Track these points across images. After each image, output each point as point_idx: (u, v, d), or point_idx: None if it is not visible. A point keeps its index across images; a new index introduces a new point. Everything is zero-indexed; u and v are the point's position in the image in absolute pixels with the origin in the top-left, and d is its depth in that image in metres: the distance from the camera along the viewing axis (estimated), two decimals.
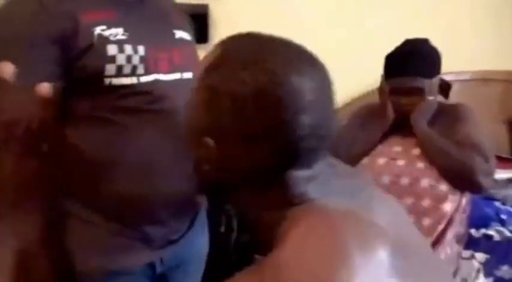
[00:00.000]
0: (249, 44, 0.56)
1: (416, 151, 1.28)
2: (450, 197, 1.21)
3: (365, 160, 1.32)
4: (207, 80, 0.54)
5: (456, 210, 1.22)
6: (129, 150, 0.85)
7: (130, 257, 0.88)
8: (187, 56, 0.95)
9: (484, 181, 1.20)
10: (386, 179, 1.26)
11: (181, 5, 1.33)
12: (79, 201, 0.86)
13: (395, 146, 1.31)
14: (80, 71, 0.81)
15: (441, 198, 1.21)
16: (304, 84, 0.51)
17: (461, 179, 1.21)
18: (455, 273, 1.27)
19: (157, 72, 0.88)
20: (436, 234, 1.19)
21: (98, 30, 0.82)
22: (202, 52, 1.71)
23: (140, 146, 0.85)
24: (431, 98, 1.28)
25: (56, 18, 0.79)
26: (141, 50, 0.86)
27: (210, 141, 0.52)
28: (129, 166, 0.85)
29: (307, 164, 0.53)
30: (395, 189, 1.24)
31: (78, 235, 0.86)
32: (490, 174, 1.23)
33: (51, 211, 0.76)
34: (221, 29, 2.01)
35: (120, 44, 0.83)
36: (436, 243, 1.18)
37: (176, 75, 0.90)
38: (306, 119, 0.50)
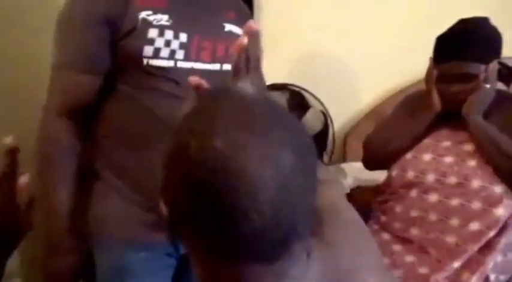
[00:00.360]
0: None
1: (467, 147, 1.16)
2: (505, 200, 1.08)
3: (408, 155, 1.22)
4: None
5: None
6: (159, 129, 0.83)
7: (153, 233, 0.87)
8: (228, 49, 0.95)
9: None
10: (431, 178, 1.16)
11: None
12: (109, 169, 0.91)
13: (444, 141, 1.20)
14: (121, 51, 0.86)
15: (494, 202, 1.08)
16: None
17: None
18: None
19: (198, 60, 0.91)
20: (485, 240, 1.07)
21: (143, 14, 0.86)
22: None
23: (164, 114, 0.86)
24: (488, 86, 1.13)
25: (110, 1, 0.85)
26: (183, 37, 0.89)
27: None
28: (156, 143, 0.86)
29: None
30: (441, 189, 1.14)
31: (102, 201, 0.90)
32: None
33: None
34: (267, 10, 1.94)
35: (161, 28, 0.86)
36: (485, 249, 1.07)
37: (216, 66, 0.94)
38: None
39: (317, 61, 1.90)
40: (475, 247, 1.07)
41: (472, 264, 1.07)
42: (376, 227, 1.26)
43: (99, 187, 0.92)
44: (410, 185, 1.19)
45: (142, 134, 0.89)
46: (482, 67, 1.12)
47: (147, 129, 0.89)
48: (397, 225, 1.21)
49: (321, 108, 1.68)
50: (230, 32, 0.97)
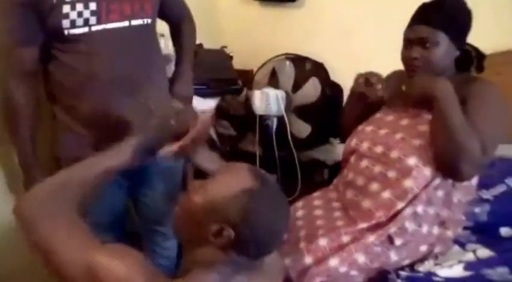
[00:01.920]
0: None
1: (403, 121, 1.22)
2: (414, 173, 1.13)
3: (359, 127, 1.32)
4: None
5: (425, 187, 1.13)
6: (87, 73, 1.12)
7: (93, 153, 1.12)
8: (139, 5, 1.16)
9: (468, 171, 1.10)
10: (365, 146, 1.25)
11: None
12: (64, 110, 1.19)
13: (389, 116, 1.26)
14: (48, 27, 1.07)
15: (405, 173, 1.14)
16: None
17: (447, 159, 1.11)
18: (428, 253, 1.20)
19: (108, 22, 1.11)
20: (393, 210, 1.14)
21: None
22: (291, 9, 1.85)
23: (93, 71, 1.12)
24: (441, 54, 1.16)
25: None
26: (92, 5, 1.09)
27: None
28: (86, 87, 1.14)
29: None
30: (370, 157, 1.24)
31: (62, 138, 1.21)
32: (479, 166, 1.11)
33: None
34: None
35: (73, 3, 1.07)
36: (393, 217, 1.14)
37: (125, 23, 1.14)
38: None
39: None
40: (383, 215, 1.14)
41: (376, 227, 1.15)
42: (332, 186, 1.41)
43: (58, 124, 1.21)
44: (352, 152, 1.29)
45: (74, 85, 1.14)
46: (443, 35, 1.15)
47: (77, 82, 1.14)
48: (340, 187, 1.35)
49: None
50: None
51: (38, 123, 1.19)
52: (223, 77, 1.88)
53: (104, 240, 0.76)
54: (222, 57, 1.97)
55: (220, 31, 2.26)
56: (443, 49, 1.16)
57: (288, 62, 1.74)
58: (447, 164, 1.11)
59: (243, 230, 0.76)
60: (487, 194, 1.40)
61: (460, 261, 1.20)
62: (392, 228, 1.13)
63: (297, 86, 1.71)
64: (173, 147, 1.00)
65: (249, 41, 2.20)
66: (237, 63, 2.10)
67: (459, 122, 1.09)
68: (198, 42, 1.92)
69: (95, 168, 0.86)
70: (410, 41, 1.20)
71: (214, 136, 1.89)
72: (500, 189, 1.40)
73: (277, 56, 1.86)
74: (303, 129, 1.67)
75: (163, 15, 1.36)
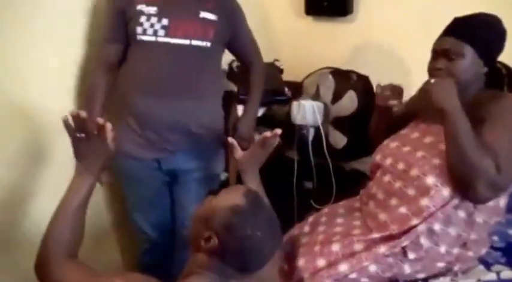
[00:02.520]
0: None
1: (427, 139, 1.23)
2: (432, 192, 1.13)
3: (384, 142, 1.34)
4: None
5: (442, 207, 1.13)
6: (144, 74, 1.37)
7: (142, 151, 1.42)
8: (202, 30, 1.38)
9: (484, 191, 1.08)
10: (388, 162, 1.28)
11: None
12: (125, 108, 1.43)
13: (415, 132, 1.28)
14: (127, 31, 1.37)
15: (423, 192, 1.15)
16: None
17: (460, 179, 1.11)
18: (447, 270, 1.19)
19: (173, 37, 1.36)
20: (407, 226, 1.15)
21: (138, 7, 1.36)
22: (342, 24, 1.90)
23: (150, 74, 1.36)
24: (465, 67, 1.15)
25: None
26: (164, 21, 1.35)
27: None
28: (142, 86, 1.38)
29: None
30: (393, 173, 1.26)
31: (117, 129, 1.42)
32: (495, 186, 1.08)
33: None
34: (366, 2, 2.11)
35: (149, 16, 1.35)
36: (407, 232, 1.15)
37: (186, 41, 1.37)
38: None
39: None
40: (396, 228, 1.16)
41: (389, 239, 1.18)
42: (358, 197, 1.45)
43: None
44: (377, 166, 1.32)
45: (132, 86, 1.40)
46: (468, 48, 1.14)
47: (134, 83, 1.39)
48: (364, 198, 1.38)
49: None
50: (203, 18, 1.39)
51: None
52: (271, 88, 1.99)
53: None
54: (272, 70, 2.08)
55: (274, 45, 2.37)
56: (468, 62, 1.16)
57: (329, 75, 1.80)
58: (461, 184, 1.11)
59: (225, 240, 0.89)
60: None
61: (478, 280, 1.18)
62: (404, 242, 1.15)
63: (340, 98, 1.77)
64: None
65: (301, 54, 2.28)
66: (289, 75, 2.20)
67: (469, 138, 1.08)
68: None
69: (69, 205, 0.98)
70: (437, 53, 1.22)
71: None
72: None
73: (321, 69, 1.93)
74: (339, 140, 1.72)
75: (233, 49, 1.57)
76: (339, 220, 1.35)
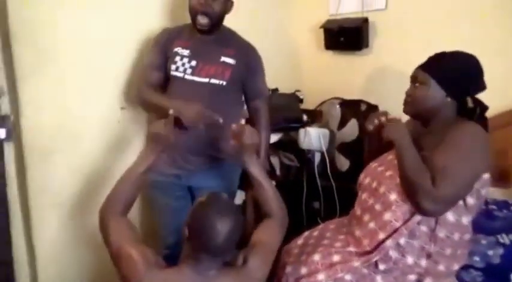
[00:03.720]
0: None
1: (395, 161, 1.34)
2: (394, 207, 1.25)
3: (371, 163, 1.48)
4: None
5: (406, 222, 1.24)
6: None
7: (168, 168, 1.67)
8: (220, 71, 1.64)
9: (425, 204, 1.19)
10: (367, 180, 1.42)
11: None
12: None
13: (391, 155, 1.39)
14: (166, 66, 1.66)
15: (387, 207, 1.27)
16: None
17: (409, 196, 1.23)
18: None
19: (197, 76, 1.63)
20: (376, 240, 1.28)
21: (175, 49, 1.67)
22: (358, 57, 2.07)
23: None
24: (425, 94, 1.29)
25: (165, 40, 1.68)
26: (193, 63, 1.65)
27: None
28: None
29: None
30: (369, 191, 1.39)
31: None
32: (434, 198, 1.18)
33: None
34: (379, 38, 2.26)
35: (182, 57, 1.65)
36: (377, 246, 1.27)
37: (206, 79, 1.64)
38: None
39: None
40: (367, 244, 1.29)
41: (364, 254, 1.31)
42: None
43: None
44: (360, 185, 1.47)
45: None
46: (431, 80, 1.28)
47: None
48: (350, 215, 1.51)
49: None
50: (223, 62, 1.65)
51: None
52: (289, 116, 2.19)
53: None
54: (292, 99, 2.29)
55: (298, 76, 2.59)
56: (430, 91, 1.29)
57: (336, 104, 1.97)
58: (410, 200, 1.24)
59: (191, 227, 1.11)
60: (505, 239, 1.40)
61: None
62: (375, 257, 1.28)
63: (344, 125, 1.92)
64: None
65: (321, 84, 2.46)
66: (310, 104, 2.40)
67: (411, 162, 1.23)
68: (274, 86, 2.34)
69: (136, 171, 1.33)
70: (410, 80, 1.37)
71: (277, 166, 2.21)
72: None
73: (331, 99, 2.10)
74: (343, 163, 1.87)
75: (245, 91, 1.78)
76: (328, 234, 1.50)
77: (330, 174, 1.87)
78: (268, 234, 1.32)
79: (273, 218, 1.37)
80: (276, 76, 2.41)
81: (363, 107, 2.03)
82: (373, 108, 2.03)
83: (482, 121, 1.31)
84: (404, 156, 1.26)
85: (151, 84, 1.69)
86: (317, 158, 1.93)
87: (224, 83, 1.65)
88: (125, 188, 1.31)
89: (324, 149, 1.88)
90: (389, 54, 2.19)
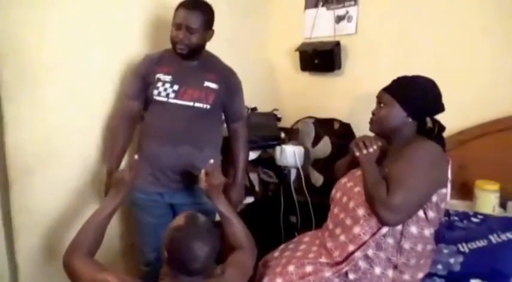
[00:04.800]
0: None
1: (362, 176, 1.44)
2: (362, 222, 1.34)
3: (341, 178, 1.57)
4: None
5: (373, 235, 1.32)
6: (156, 125, 1.69)
7: (150, 186, 1.72)
8: (204, 95, 1.70)
9: (383, 214, 1.29)
10: (338, 195, 1.50)
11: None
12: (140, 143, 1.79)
13: (359, 171, 1.47)
14: (147, 92, 1.71)
15: (355, 221, 1.36)
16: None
17: (370, 208, 1.33)
18: None
19: (181, 99, 1.68)
20: (346, 253, 1.36)
21: (157, 75, 1.70)
22: (331, 78, 2.18)
23: (161, 126, 1.69)
24: (387, 114, 1.41)
25: (146, 69, 1.72)
26: (175, 87, 1.69)
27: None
28: (154, 135, 1.70)
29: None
30: (340, 205, 1.48)
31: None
32: (390, 207, 1.27)
33: None
34: (350, 60, 2.40)
35: (164, 82, 1.69)
36: (345, 260, 1.36)
37: (190, 103, 1.69)
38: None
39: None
40: (338, 255, 1.38)
41: (334, 264, 1.38)
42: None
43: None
44: (332, 199, 1.55)
45: (146, 134, 1.74)
46: (393, 101, 1.40)
47: (148, 132, 1.73)
48: (324, 228, 1.59)
49: None
50: (207, 86, 1.71)
51: (126, 149, 1.79)
52: (267, 134, 2.27)
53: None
54: (269, 118, 2.37)
55: (276, 96, 2.69)
56: (392, 111, 1.41)
57: (310, 123, 2.07)
58: (373, 211, 1.33)
59: (169, 251, 1.17)
60: (464, 247, 1.49)
61: None
62: (345, 268, 1.35)
63: (318, 142, 2.02)
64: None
65: (298, 103, 2.57)
66: (287, 122, 2.50)
67: (371, 176, 1.35)
68: (253, 105, 2.43)
69: (100, 215, 1.38)
70: (376, 102, 1.49)
71: (256, 182, 2.28)
72: (479, 243, 1.48)
73: (305, 118, 2.20)
74: (317, 179, 1.96)
75: (225, 114, 1.85)
76: (302, 246, 1.57)
77: (305, 189, 1.95)
78: (240, 261, 1.40)
79: (242, 249, 1.44)
80: (255, 96, 2.51)
81: (336, 125, 2.14)
82: (345, 126, 2.13)
83: (440, 140, 1.43)
84: (366, 172, 1.38)
85: (128, 116, 1.75)
86: (293, 174, 2.02)
87: (208, 106, 1.71)
88: (89, 232, 1.34)
89: (299, 165, 1.97)
90: (360, 75, 2.32)
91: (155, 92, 1.70)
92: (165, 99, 1.69)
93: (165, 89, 1.69)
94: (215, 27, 1.76)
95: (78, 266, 1.24)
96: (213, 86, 1.72)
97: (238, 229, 1.47)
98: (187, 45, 1.64)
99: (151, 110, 1.74)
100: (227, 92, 1.77)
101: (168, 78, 1.70)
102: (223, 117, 1.88)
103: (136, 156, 1.51)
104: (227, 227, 1.48)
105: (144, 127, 1.78)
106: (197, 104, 1.70)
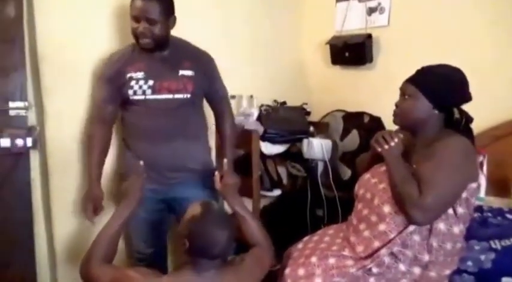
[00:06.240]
0: None
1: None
2: (388, 219, 1.30)
3: (364, 174, 1.53)
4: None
5: (399, 232, 1.29)
6: (141, 124, 1.63)
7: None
8: (182, 85, 1.61)
9: (414, 213, 1.24)
10: (361, 191, 1.47)
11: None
12: (126, 143, 1.73)
13: (383, 166, 1.42)
14: (121, 93, 1.61)
15: (381, 218, 1.32)
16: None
17: (399, 207, 1.29)
18: None
19: (159, 94, 1.60)
20: (371, 249, 1.33)
21: (129, 74, 1.60)
22: (362, 71, 2.15)
23: (148, 124, 1.62)
24: (412, 106, 1.35)
25: (113, 71, 1.61)
26: (150, 82, 1.59)
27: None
28: (144, 135, 1.64)
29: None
30: (363, 201, 1.45)
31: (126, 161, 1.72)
32: (421, 207, 1.23)
33: None
34: (382, 53, 2.34)
35: (137, 80, 1.59)
36: (372, 254, 1.32)
37: (169, 96, 1.61)
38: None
39: None
40: (362, 251, 1.34)
41: (358, 259, 1.36)
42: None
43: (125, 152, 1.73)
44: (356, 196, 1.52)
45: (133, 134, 1.67)
46: (418, 92, 1.33)
47: (134, 132, 1.66)
48: (347, 222, 1.57)
49: None
50: (182, 75, 1.62)
51: (105, 154, 1.72)
52: (295, 128, 2.26)
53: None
54: (298, 112, 2.37)
55: (306, 90, 2.68)
56: (417, 103, 1.35)
57: (338, 115, 2.04)
58: (401, 210, 1.28)
59: (191, 240, 1.19)
60: (497, 244, 1.42)
61: None
62: (370, 264, 1.32)
63: (346, 136, 1.99)
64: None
65: (328, 97, 2.54)
66: (317, 116, 2.48)
67: (399, 173, 1.29)
68: (283, 99, 2.43)
69: (112, 226, 1.39)
70: (400, 92, 1.43)
71: (284, 176, 2.28)
72: None
73: (333, 111, 2.17)
74: (345, 172, 1.93)
75: (208, 98, 1.78)
76: (326, 238, 1.55)
77: (332, 182, 1.93)
78: (259, 256, 1.42)
79: (260, 246, 1.45)
80: (285, 90, 2.53)
81: (366, 119, 2.10)
82: (375, 119, 2.09)
83: (469, 132, 1.37)
84: (393, 169, 1.34)
85: (105, 120, 1.67)
86: (320, 167, 2.00)
87: (189, 95, 1.63)
88: (103, 244, 1.35)
89: (327, 158, 1.95)
90: (392, 68, 2.25)
91: (130, 92, 1.60)
92: (142, 97, 1.60)
93: (140, 87, 1.60)
94: (245, 21, 1.73)
95: (95, 273, 1.28)
96: (189, 73, 1.63)
97: (254, 228, 1.48)
98: (151, 38, 1.54)
99: (131, 110, 1.65)
100: (205, 76, 1.69)
101: (140, 75, 1.60)
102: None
103: (141, 162, 1.50)
104: (244, 226, 1.48)
105: (128, 128, 1.71)
106: (177, 96, 1.62)
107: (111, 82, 1.63)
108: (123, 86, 1.61)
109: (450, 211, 1.29)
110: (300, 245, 1.60)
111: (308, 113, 2.40)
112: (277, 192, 2.11)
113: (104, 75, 1.65)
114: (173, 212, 1.78)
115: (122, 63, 1.62)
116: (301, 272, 1.43)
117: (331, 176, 1.95)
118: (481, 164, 1.73)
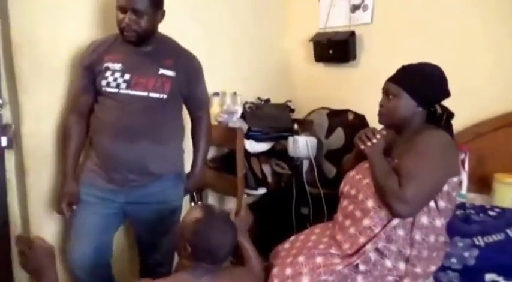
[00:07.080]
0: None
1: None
2: (372, 214, 1.31)
3: (350, 171, 1.54)
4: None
5: (383, 227, 1.29)
6: (107, 120, 1.53)
7: (101, 181, 1.57)
8: (160, 84, 1.53)
9: (395, 206, 1.25)
10: (346, 188, 1.47)
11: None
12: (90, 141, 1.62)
13: (367, 163, 1.43)
14: (94, 84, 1.54)
15: (365, 213, 1.33)
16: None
17: (381, 200, 1.30)
18: None
19: (134, 90, 1.51)
20: (356, 245, 1.33)
21: (105, 64, 1.52)
22: (346, 69, 2.13)
23: (114, 120, 1.52)
24: (397, 105, 1.36)
25: (91, 59, 1.54)
26: (127, 76, 1.51)
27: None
28: (107, 131, 1.53)
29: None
30: (348, 198, 1.45)
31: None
32: (401, 199, 1.24)
33: None
34: (366, 50, 2.34)
35: (113, 72, 1.51)
36: (355, 253, 1.32)
37: (144, 93, 1.52)
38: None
39: None
40: (348, 248, 1.34)
41: (345, 257, 1.35)
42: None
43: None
44: (341, 193, 1.51)
45: (98, 129, 1.56)
46: (401, 91, 1.35)
47: (100, 127, 1.55)
48: (333, 220, 1.56)
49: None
50: (162, 74, 1.54)
51: (82, 147, 1.63)
52: (279, 126, 2.24)
53: None
54: (282, 109, 2.35)
55: (290, 87, 2.67)
56: (401, 102, 1.36)
57: (323, 113, 2.04)
58: (383, 204, 1.29)
59: (194, 245, 1.17)
60: (480, 241, 1.45)
61: None
62: (356, 261, 1.32)
63: (331, 134, 1.98)
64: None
65: (312, 95, 2.54)
66: (301, 114, 2.47)
67: (380, 168, 1.31)
68: (266, 97, 2.41)
69: None
70: (382, 92, 1.44)
71: (269, 174, 2.27)
72: (495, 237, 1.44)
73: (318, 109, 2.17)
74: (330, 170, 1.93)
75: (186, 102, 1.69)
76: (313, 237, 1.54)
77: (317, 180, 1.92)
78: (253, 271, 1.42)
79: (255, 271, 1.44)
80: (269, 87, 2.51)
81: (350, 116, 2.10)
82: (359, 117, 2.09)
83: (449, 127, 1.39)
84: (375, 165, 1.35)
85: (80, 111, 1.59)
86: (305, 165, 1.99)
87: (165, 96, 1.54)
88: None
89: (312, 156, 1.94)
90: (376, 66, 2.26)
91: (103, 82, 1.51)
92: (115, 90, 1.51)
93: (115, 79, 1.51)
94: (230, 17, 1.70)
95: None
96: (170, 73, 1.55)
97: (255, 257, 1.47)
98: (136, 31, 1.47)
99: (101, 102, 1.55)
100: (187, 78, 1.61)
101: (117, 66, 1.52)
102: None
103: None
104: (246, 258, 1.46)
105: (94, 121, 1.59)
106: (152, 94, 1.52)
107: (88, 70, 1.55)
108: (98, 74, 1.54)
109: (432, 204, 1.30)
110: (286, 245, 1.59)
111: (292, 111, 2.39)
112: (262, 190, 2.09)
113: (83, 62, 1.57)
114: (126, 217, 1.69)
115: (101, 51, 1.55)
116: (288, 271, 1.41)
117: (316, 174, 1.94)
118: (463, 162, 1.77)
